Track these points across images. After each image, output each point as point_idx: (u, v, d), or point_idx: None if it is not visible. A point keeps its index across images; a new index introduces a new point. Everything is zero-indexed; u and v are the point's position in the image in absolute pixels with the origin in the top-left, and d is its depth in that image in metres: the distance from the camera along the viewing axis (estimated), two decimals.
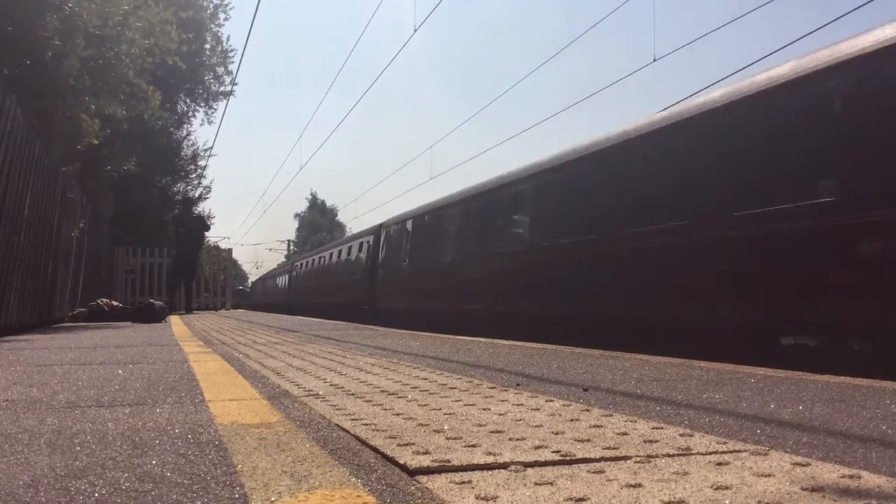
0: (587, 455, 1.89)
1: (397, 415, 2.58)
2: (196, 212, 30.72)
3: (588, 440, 2.09)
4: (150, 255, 24.24)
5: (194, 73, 28.68)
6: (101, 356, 5.64)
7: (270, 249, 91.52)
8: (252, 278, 75.13)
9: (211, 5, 29.95)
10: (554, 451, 1.92)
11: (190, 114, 32.23)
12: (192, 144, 33.80)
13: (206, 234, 26.90)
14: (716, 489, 1.55)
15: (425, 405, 2.81)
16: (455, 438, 2.12)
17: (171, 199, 32.59)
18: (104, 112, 13.91)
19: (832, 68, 6.74)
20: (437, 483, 1.63)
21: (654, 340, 7.45)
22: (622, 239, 9.09)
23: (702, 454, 1.91)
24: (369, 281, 21.31)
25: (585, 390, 3.31)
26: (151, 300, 16.83)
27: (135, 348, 6.55)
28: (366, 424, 2.38)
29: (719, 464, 1.79)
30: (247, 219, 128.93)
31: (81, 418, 2.60)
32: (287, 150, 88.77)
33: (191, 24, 25.45)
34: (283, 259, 58.66)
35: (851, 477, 1.65)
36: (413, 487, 1.61)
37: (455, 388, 3.39)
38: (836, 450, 1.99)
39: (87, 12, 11.95)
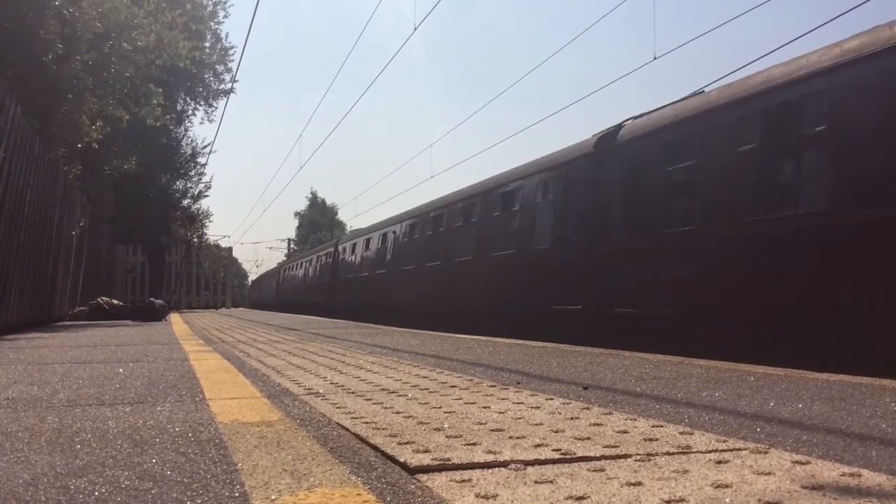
0: (587, 453, 1.89)
1: (397, 413, 2.58)
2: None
3: (588, 438, 2.09)
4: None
5: (196, 70, 28.64)
6: (102, 355, 5.64)
7: (271, 248, 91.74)
8: (252, 276, 74.64)
9: (210, 3, 29.91)
10: (554, 450, 1.92)
11: (190, 112, 32.22)
12: (192, 142, 33.78)
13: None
14: (716, 487, 1.55)
15: (425, 403, 2.81)
16: (455, 437, 2.12)
17: (171, 197, 32.58)
18: (105, 112, 13.95)
19: None
20: (438, 481, 1.63)
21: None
22: None
23: (702, 452, 1.91)
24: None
25: (585, 388, 3.31)
26: (152, 299, 16.85)
27: (135, 347, 6.55)
28: (366, 423, 2.38)
29: (719, 462, 1.79)
30: (247, 217, 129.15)
31: (82, 417, 2.60)
32: (287, 148, 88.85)
33: (190, 23, 25.41)
34: (284, 258, 57.86)
35: (851, 475, 1.65)
36: (413, 486, 1.61)
37: (455, 386, 3.39)
38: (836, 448, 1.99)
39: (89, 17, 11.98)
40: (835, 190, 6.67)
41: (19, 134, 9.27)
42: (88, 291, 17.08)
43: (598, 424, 2.32)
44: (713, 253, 7.74)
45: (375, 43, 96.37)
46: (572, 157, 10.87)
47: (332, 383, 3.54)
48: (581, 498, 1.48)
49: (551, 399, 2.93)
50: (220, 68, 31.79)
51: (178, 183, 33.48)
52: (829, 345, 6.32)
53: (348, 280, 22.92)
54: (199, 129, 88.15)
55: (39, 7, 11.42)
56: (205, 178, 35.07)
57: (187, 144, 33.12)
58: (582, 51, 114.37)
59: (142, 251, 26.09)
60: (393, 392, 3.18)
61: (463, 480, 1.63)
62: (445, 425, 2.32)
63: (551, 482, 1.61)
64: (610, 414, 2.55)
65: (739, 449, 1.95)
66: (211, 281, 29.43)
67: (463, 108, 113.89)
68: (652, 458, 1.84)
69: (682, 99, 9.31)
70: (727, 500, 1.46)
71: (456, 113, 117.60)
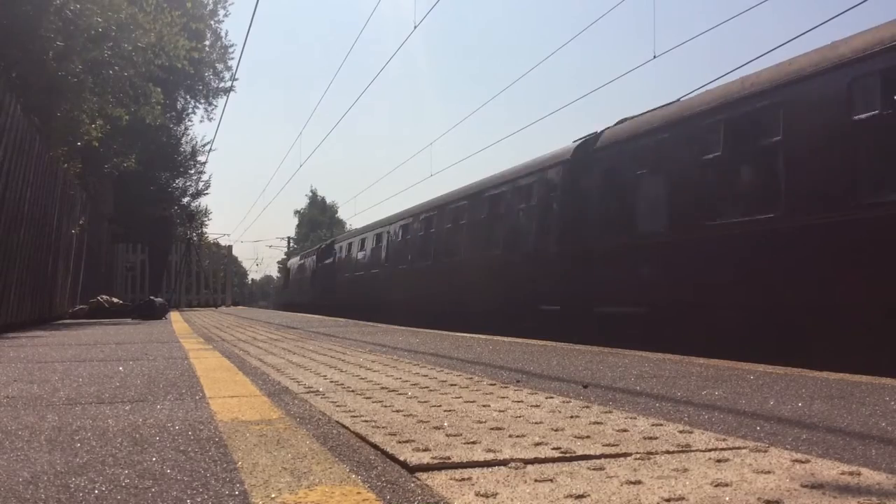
0: (587, 452, 1.89)
1: (397, 411, 2.58)
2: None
3: (588, 437, 2.09)
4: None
5: (194, 70, 28.63)
6: (102, 353, 5.64)
7: (270, 246, 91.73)
8: (252, 275, 73.56)
9: (210, 1, 29.90)
10: (554, 448, 1.92)
11: (190, 110, 32.24)
12: (192, 140, 33.80)
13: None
14: (716, 486, 1.55)
15: (425, 402, 2.82)
16: (455, 435, 2.12)
17: (170, 195, 32.60)
18: (105, 111, 13.95)
19: None
20: (438, 480, 1.63)
21: None
22: None
23: (701, 451, 1.91)
24: None
25: (585, 387, 3.31)
26: (152, 297, 16.86)
27: (135, 345, 6.55)
28: (366, 421, 2.38)
29: (719, 461, 1.79)
30: (247, 215, 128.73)
31: (82, 415, 2.60)
32: (287, 146, 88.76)
33: (190, 22, 25.38)
34: (283, 256, 55.85)
35: (851, 473, 1.66)
36: (413, 484, 1.61)
37: (455, 384, 3.39)
38: (836, 446, 1.99)
39: (90, 13, 11.97)
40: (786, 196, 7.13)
41: (19, 132, 9.27)
42: (88, 289, 17.07)
43: (597, 423, 2.33)
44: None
45: (375, 41, 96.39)
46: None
47: (331, 381, 3.54)
48: (581, 496, 1.48)
49: (551, 397, 2.93)
50: (219, 66, 31.81)
51: (177, 181, 33.52)
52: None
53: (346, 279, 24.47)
54: (198, 127, 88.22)
55: (39, 4, 11.41)
56: (204, 177, 35.11)
57: (187, 142, 33.18)
58: (582, 49, 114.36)
59: (141, 249, 26.12)
60: (393, 390, 3.18)
61: (463, 479, 1.63)
62: (445, 424, 2.32)
63: (551, 480, 1.61)
64: (610, 412, 2.55)
65: (739, 447, 1.95)
66: (211, 279, 29.45)
67: (463, 107, 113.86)
68: (652, 456, 1.84)
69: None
70: (727, 498, 1.46)
71: (456, 111, 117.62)
